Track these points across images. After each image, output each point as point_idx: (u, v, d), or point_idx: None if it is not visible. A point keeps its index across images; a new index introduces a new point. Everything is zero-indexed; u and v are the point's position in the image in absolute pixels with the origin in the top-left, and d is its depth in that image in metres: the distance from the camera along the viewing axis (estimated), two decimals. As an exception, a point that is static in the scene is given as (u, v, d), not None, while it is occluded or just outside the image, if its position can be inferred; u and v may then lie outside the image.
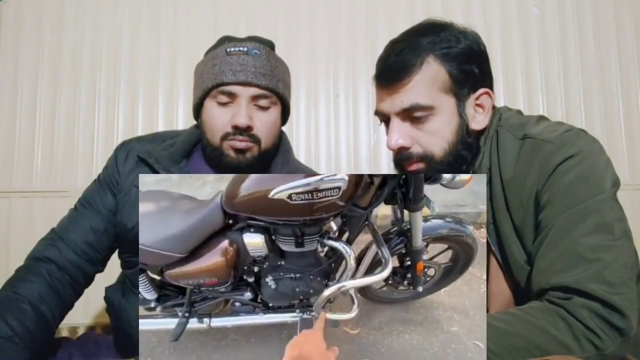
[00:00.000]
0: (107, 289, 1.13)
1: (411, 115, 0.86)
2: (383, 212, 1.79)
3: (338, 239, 1.09)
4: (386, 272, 1.08)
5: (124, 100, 1.83)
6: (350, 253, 1.07)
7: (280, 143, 1.13)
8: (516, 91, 1.90)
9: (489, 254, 0.90)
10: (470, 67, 0.86)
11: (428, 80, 0.85)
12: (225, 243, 1.05)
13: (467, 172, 0.90)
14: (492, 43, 1.85)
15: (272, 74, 1.03)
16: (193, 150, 1.12)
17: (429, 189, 1.05)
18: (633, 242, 0.79)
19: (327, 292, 1.11)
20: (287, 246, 1.04)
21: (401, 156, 0.89)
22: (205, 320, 1.20)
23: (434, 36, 0.86)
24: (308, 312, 1.21)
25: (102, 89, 1.83)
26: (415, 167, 0.88)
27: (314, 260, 1.11)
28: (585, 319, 0.70)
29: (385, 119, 0.91)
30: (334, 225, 1.21)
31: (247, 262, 1.11)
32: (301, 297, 1.16)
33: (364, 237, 1.16)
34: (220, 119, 1.02)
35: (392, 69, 0.86)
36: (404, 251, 1.26)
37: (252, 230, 1.04)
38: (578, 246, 0.74)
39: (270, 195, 0.91)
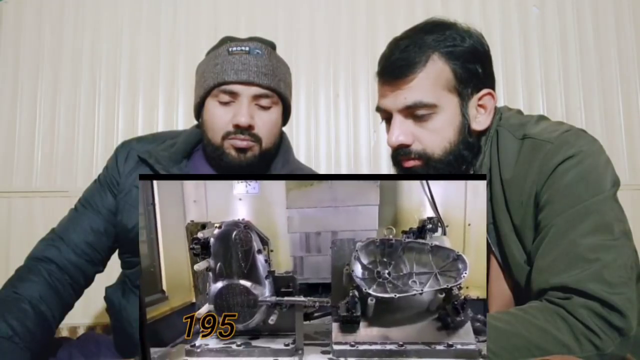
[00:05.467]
0: (107, 289, 1.13)
1: (414, 112, 0.85)
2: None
3: None
4: None
5: (124, 100, 1.83)
6: None
7: (281, 143, 1.14)
8: (516, 91, 1.90)
9: (489, 254, 0.90)
10: (474, 66, 0.86)
11: (432, 78, 0.84)
12: None
13: (467, 172, 0.90)
14: (492, 43, 1.82)
15: (273, 74, 1.03)
16: (194, 150, 1.12)
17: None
18: (633, 242, 0.79)
19: None
20: None
21: (399, 152, 0.88)
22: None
23: (439, 34, 0.86)
24: None
25: (102, 89, 1.83)
26: (412, 163, 0.87)
27: None
28: (585, 319, 0.70)
29: (387, 116, 0.91)
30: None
31: None
32: None
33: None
34: (221, 118, 1.02)
35: (397, 65, 0.86)
36: None
37: None
38: (578, 246, 0.74)
39: None
